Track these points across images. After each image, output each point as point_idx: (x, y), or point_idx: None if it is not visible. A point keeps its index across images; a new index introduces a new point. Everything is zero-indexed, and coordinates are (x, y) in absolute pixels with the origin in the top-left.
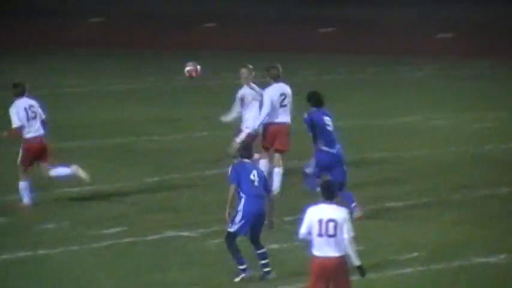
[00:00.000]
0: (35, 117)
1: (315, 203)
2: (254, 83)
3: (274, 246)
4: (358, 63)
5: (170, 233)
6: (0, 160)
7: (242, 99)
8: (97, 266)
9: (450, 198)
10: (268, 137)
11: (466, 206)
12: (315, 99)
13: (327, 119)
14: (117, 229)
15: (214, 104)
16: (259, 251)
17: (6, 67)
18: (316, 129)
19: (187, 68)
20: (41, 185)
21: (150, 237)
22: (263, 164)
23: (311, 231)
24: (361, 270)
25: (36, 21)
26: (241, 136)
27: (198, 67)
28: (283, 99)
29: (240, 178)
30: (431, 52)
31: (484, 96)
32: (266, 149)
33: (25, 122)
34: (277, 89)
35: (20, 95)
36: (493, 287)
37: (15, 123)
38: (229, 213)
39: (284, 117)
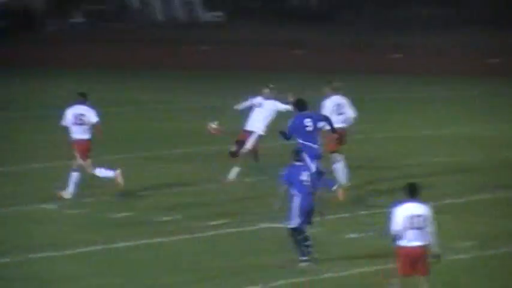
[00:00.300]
0: (81, 124)
1: (401, 202)
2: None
3: (353, 235)
4: (416, 83)
5: (264, 225)
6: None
7: (258, 104)
8: (204, 251)
9: (497, 196)
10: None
11: (511, 202)
12: (300, 105)
13: (307, 121)
14: (221, 221)
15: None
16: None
17: (137, 85)
18: (298, 131)
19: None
20: (156, 185)
21: (247, 228)
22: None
23: (402, 227)
24: (439, 257)
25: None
26: (252, 140)
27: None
28: (339, 108)
29: (292, 179)
30: (481, 74)
31: None
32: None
33: (70, 125)
34: (334, 100)
35: (79, 102)
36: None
37: (62, 122)
38: (279, 208)
39: (339, 123)
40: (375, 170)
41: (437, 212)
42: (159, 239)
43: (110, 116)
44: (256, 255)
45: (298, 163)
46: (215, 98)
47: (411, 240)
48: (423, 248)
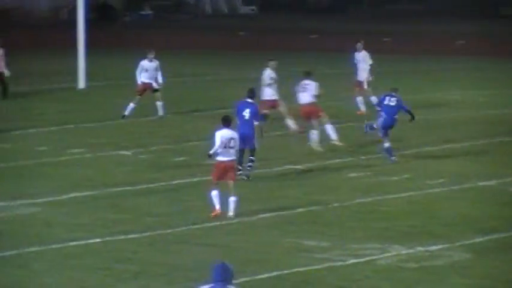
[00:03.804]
0: None
1: None
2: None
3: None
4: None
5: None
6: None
7: None
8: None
9: (463, 146)
10: None
11: (473, 151)
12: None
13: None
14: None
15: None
16: None
17: (191, 61)
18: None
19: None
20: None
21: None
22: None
23: None
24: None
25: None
26: None
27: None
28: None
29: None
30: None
31: None
32: None
33: None
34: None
35: None
36: (488, 201)
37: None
38: None
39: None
40: None
41: (418, 157)
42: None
43: (174, 84)
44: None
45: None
46: (249, 71)
47: None
48: None
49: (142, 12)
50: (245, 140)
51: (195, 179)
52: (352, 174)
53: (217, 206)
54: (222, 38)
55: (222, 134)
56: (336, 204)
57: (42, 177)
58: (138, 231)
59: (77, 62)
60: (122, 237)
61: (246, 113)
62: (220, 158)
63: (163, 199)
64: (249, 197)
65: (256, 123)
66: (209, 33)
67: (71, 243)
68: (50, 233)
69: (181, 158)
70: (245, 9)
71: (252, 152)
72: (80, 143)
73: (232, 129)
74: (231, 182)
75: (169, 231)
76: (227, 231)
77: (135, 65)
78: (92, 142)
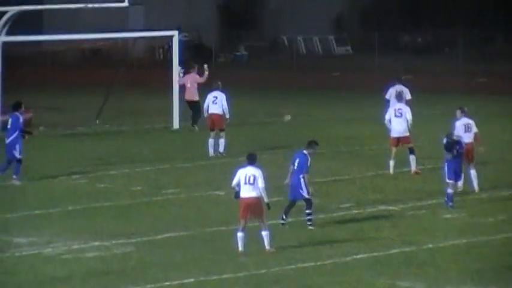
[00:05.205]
0: None
1: None
2: None
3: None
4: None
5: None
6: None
7: None
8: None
9: None
10: None
11: None
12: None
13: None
14: (347, 205)
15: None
16: None
17: (282, 102)
18: None
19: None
20: None
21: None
22: None
23: None
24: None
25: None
26: None
27: None
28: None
29: None
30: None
31: None
32: None
33: None
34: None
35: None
36: None
37: None
38: None
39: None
40: None
41: None
42: (299, 218)
43: (269, 124)
44: None
45: None
46: (345, 111)
47: None
48: None
49: (237, 53)
50: (293, 190)
51: (290, 220)
52: (447, 216)
53: (240, 248)
54: (317, 78)
55: (242, 171)
56: (430, 245)
57: (137, 217)
58: (233, 271)
59: (171, 101)
60: (216, 277)
61: (296, 163)
62: (241, 195)
63: (257, 239)
64: (342, 238)
65: (304, 174)
66: (304, 74)
67: (166, 283)
68: (144, 272)
69: (276, 199)
70: (340, 50)
71: (307, 202)
72: (175, 183)
73: (258, 167)
74: (259, 220)
75: (263, 271)
76: (321, 272)
77: (230, 105)
78: (187, 182)
